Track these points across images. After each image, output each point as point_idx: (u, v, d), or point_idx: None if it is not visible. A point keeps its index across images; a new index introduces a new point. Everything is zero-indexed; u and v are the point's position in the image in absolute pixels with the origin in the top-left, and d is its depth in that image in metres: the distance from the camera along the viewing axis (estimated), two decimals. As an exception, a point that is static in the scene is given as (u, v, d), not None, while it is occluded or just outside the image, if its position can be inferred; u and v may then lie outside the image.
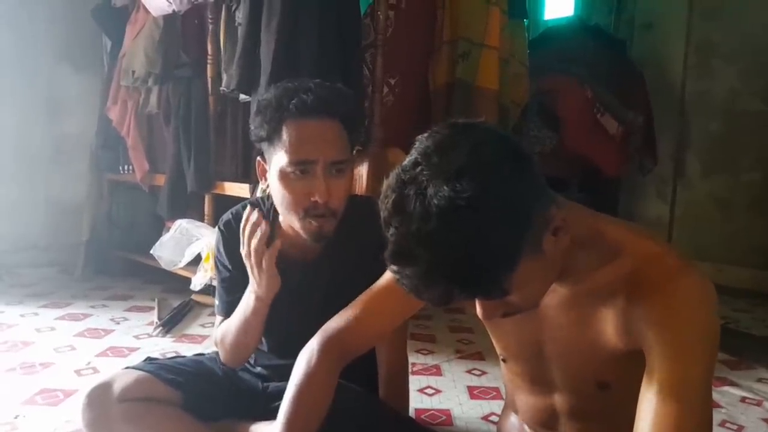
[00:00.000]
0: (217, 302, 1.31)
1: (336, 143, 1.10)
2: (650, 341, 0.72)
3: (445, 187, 0.62)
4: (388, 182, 0.68)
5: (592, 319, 0.79)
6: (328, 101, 1.10)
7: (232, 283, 1.26)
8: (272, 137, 1.09)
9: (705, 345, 0.72)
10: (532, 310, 0.85)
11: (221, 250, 1.28)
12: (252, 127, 1.14)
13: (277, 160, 1.09)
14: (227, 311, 1.27)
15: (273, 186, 1.12)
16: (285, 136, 1.07)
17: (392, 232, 0.66)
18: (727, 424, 1.62)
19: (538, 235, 0.69)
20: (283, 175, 1.09)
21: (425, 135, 0.69)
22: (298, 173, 1.07)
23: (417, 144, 0.69)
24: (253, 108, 1.16)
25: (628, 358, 0.76)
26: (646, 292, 0.72)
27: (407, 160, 0.68)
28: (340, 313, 0.97)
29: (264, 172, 1.17)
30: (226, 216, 1.28)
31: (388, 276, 0.94)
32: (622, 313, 0.75)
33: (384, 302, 0.94)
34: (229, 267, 1.26)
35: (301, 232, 1.13)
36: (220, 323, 1.28)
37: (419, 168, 0.65)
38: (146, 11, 2.81)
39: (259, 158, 1.18)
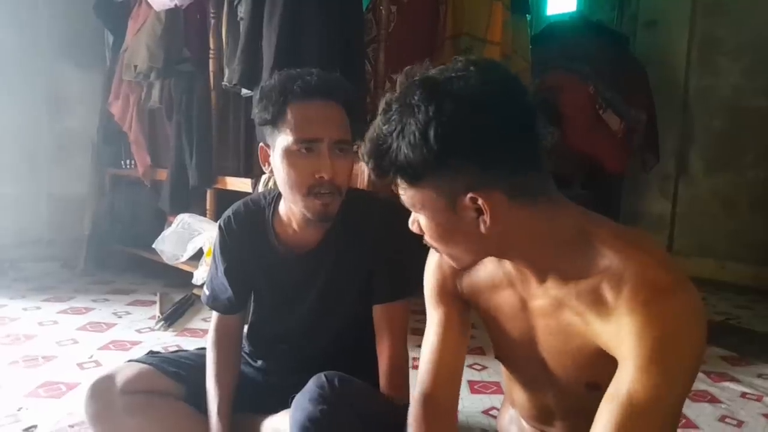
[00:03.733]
0: (205, 290, 1.32)
1: (340, 124, 1.12)
2: (627, 351, 0.70)
3: (417, 85, 0.71)
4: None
5: (578, 325, 0.78)
6: (331, 85, 1.13)
7: (224, 285, 1.27)
8: (277, 119, 1.11)
9: (682, 368, 0.70)
10: (524, 310, 0.85)
11: (218, 252, 1.29)
12: (256, 111, 1.16)
13: (282, 141, 1.10)
14: (212, 305, 1.30)
15: (277, 168, 1.13)
16: (290, 116, 1.09)
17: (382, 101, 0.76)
18: (727, 419, 1.62)
19: (452, 187, 0.73)
20: (288, 154, 1.10)
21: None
22: (303, 151, 1.09)
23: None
24: (257, 97, 1.18)
25: (615, 362, 0.74)
26: (631, 303, 0.70)
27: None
28: (418, 380, 0.96)
29: (267, 157, 1.17)
30: (226, 214, 1.29)
31: (433, 327, 0.96)
32: (609, 324, 0.73)
33: (445, 348, 0.94)
34: (224, 273, 1.26)
35: (305, 212, 1.13)
36: (216, 320, 1.30)
37: (427, 71, 0.74)
38: (148, 6, 2.80)
39: (261, 144, 1.18)
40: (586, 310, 0.76)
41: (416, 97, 0.70)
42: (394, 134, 0.72)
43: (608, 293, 0.73)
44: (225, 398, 1.21)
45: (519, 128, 0.72)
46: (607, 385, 0.75)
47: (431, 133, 0.69)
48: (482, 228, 0.74)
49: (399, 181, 0.76)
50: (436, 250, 0.84)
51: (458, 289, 0.94)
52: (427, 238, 0.81)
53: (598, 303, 0.74)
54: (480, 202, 0.72)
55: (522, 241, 0.77)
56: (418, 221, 0.81)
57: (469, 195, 0.72)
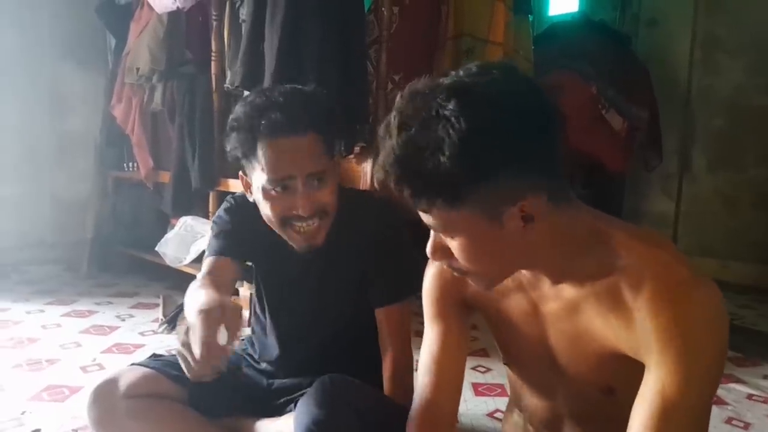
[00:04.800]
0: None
1: (312, 156, 1.10)
2: (656, 357, 0.69)
3: (441, 97, 0.66)
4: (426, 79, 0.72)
5: (596, 327, 0.77)
6: (299, 117, 1.08)
7: (219, 241, 1.23)
8: (248, 156, 1.10)
9: (709, 367, 0.69)
10: (535, 314, 0.84)
11: (222, 213, 1.26)
12: (227, 147, 1.13)
13: (257, 177, 1.11)
14: (207, 255, 1.23)
15: (257, 201, 1.14)
16: (260, 154, 1.08)
17: (392, 114, 0.70)
18: (734, 421, 1.61)
19: (496, 202, 0.68)
20: (265, 192, 1.10)
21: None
22: (279, 190, 1.09)
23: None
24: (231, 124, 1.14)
25: (634, 364, 0.74)
26: (657, 306, 0.69)
27: None
28: (417, 389, 0.95)
29: (248, 185, 1.18)
30: (238, 194, 1.30)
31: (433, 335, 0.94)
32: (631, 326, 0.72)
33: (447, 357, 0.93)
34: (223, 229, 1.24)
35: (291, 243, 1.15)
36: (206, 264, 1.20)
37: (446, 78, 0.69)
38: (150, 8, 2.81)
39: (240, 173, 1.19)
40: (607, 312, 0.75)
41: (450, 108, 0.64)
42: (428, 152, 0.65)
43: (628, 293, 0.72)
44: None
45: (551, 131, 0.70)
46: (622, 390, 0.74)
47: (476, 144, 0.64)
48: (527, 236, 0.71)
49: (436, 204, 0.69)
50: (463, 273, 0.78)
51: (462, 297, 0.92)
52: (460, 262, 0.75)
53: (618, 303, 0.73)
54: (528, 209, 0.69)
55: (546, 246, 0.75)
56: (443, 247, 0.75)
57: (519, 204, 0.69)
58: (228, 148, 1.14)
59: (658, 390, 0.69)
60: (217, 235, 1.26)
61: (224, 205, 1.29)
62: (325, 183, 1.12)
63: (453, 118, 0.64)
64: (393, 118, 0.69)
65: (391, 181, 0.70)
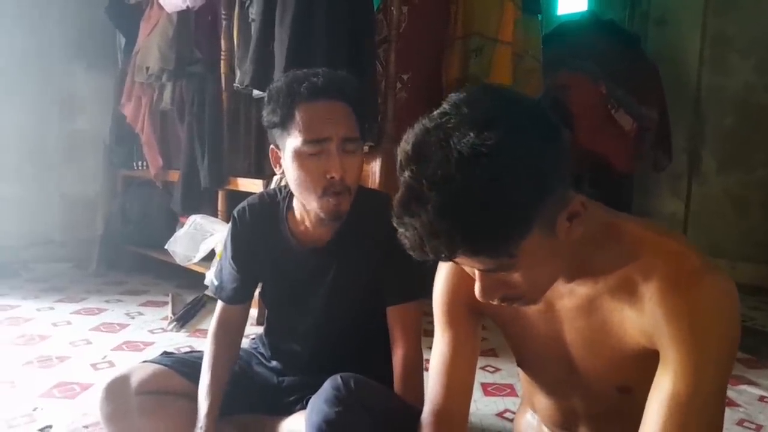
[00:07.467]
0: (214, 281, 1.33)
1: (347, 121, 1.13)
2: (667, 345, 0.70)
3: (471, 134, 0.61)
4: (413, 129, 0.66)
5: (613, 323, 0.77)
6: (337, 84, 1.13)
7: (232, 273, 1.28)
8: (285, 121, 1.11)
9: (722, 356, 0.69)
10: (549, 313, 0.84)
11: (229, 240, 1.30)
12: (264, 114, 1.17)
13: (291, 142, 1.11)
14: (220, 296, 1.31)
15: (288, 170, 1.14)
16: (298, 117, 1.10)
17: (407, 175, 0.64)
18: (746, 423, 1.60)
19: (554, 212, 0.67)
20: (298, 156, 1.10)
21: (458, 92, 0.69)
22: (313, 152, 1.10)
23: (448, 98, 0.68)
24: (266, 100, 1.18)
25: (650, 361, 0.73)
26: (667, 293, 0.70)
27: (437, 111, 0.67)
28: (428, 395, 0.95)
29: (278, 159, 1.18)
30: (242, 205, 1.30)
31: (444, 341, 0.93)
32: (644, 314, 0.73)
33: (458, 363, 0.92)
34: (232, 260, 1.28)
35: (319, 212, 1.14)
36: (220, 310, 1.30)
37: (447, 117, 0.64)
38: (160, 8, 2.82)
39: (272, 146, 1.19)
40: (623, 305, 0.75)
41: (490, 142, 0.60)
42: (489, 192, 0.60)
43: (640, 282, 0.72)
44: (216, 397, 1.20)
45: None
46: (639, 389, 0.74)
47: (533, 161, 0.62)
48: (572, 235, 0.70)
49: (506, 242, 0.64)
50: (516, 299, 0.75)
51: (473, 302, 0.89)
52: (520, 289, 0.73)
53: (632, 295, 0.74)
54: (575, 208, 0.69)
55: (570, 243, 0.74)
56: (499, 283, 0.72)
57: (569, 207, 0.68)
58: (265, 115, 1.16)
59: (671, 378, 0.69)
60: (222, 270, 1.31)
61: (229, 227, 1.31)
62: (355, 154, 1.14)
63: (497, 148, 0.60)
64: (416, 186, 0.62)
65: (440, 249, 0.63)
